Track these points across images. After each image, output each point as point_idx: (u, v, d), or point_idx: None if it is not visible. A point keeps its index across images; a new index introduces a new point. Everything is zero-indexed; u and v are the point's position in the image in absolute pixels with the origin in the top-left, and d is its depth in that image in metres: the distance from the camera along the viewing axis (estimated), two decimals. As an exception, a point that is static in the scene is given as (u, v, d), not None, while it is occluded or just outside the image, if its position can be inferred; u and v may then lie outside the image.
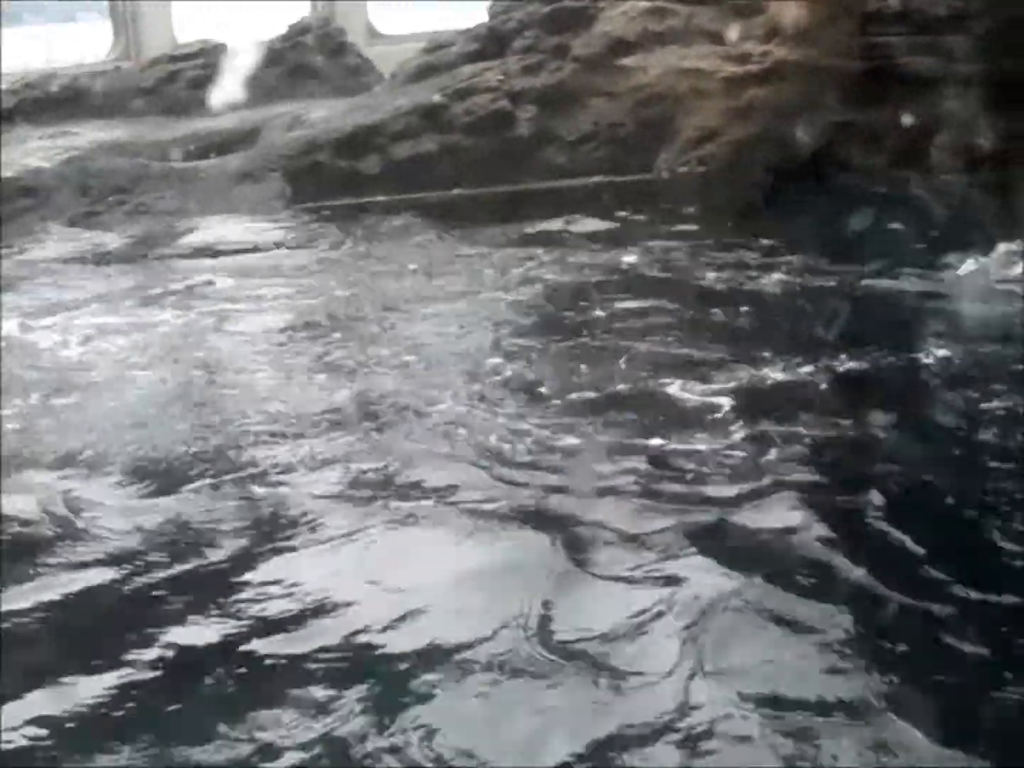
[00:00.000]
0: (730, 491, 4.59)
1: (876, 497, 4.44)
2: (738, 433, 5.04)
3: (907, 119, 9.20)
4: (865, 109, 9.39)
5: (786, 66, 9.76)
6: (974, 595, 3.80)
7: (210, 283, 8.17)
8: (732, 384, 5.62)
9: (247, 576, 4.18)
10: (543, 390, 5.74)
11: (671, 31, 10.42)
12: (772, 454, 4.85)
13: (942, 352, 5.82)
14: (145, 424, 5.57)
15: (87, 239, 9.57)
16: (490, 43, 11.25)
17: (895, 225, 8.00)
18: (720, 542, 4.22)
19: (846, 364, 5.75)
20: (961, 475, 4.71)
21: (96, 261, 8.93)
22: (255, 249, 9.11)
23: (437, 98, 10.75)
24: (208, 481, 4.91)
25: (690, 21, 10.41)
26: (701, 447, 4.97)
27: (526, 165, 10.49)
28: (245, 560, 4.28)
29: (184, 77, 12.77)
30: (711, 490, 4.61)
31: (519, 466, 4.93)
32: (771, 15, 10.05)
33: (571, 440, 5.12)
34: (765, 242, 8.08)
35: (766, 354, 5.95)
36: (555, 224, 9.15)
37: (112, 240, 9.52)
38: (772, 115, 9.66)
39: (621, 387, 5.71)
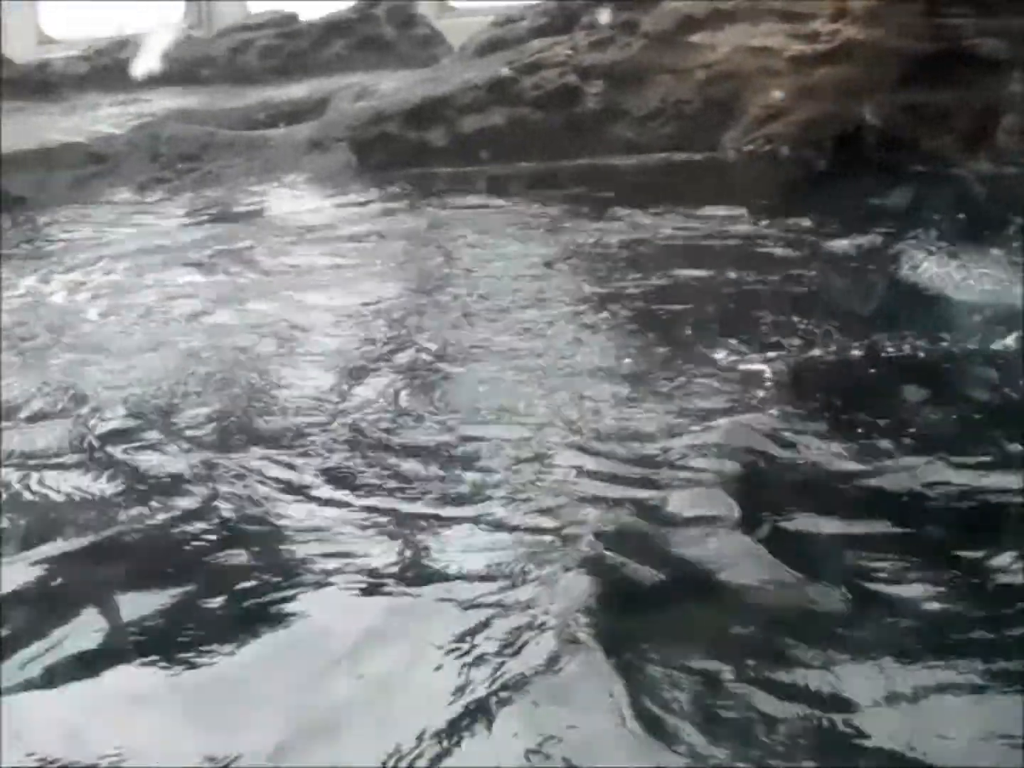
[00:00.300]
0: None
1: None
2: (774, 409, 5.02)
3: (974, 101, 9.14)
4: (932, 90, 9.32)
5: (854, 46, 9.69)
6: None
7: (268, 249, 8.29)
8: (777, 355, 5.62)
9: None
10: (596, 359, 5.75)
11: (740, 9, 10.37)
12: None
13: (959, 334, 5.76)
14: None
15: (152, 205, 9.73)
16: (559, 18, 11.30)
17: (949, 205, 7.92)
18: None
19: (883, 344, 5.70)
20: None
21: (158, 226, 9.08)
22: (319, 218, 9.22)
23: (505, 71, 10.81)
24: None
25: (759, -1, 10.36)
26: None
27: (593, 140, 10.51)
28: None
29: (255, 46, 12.95)
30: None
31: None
32: (840, -6, 9.98)
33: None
34: (820, 219, 8.03)
35: (812, 328, 5.94)
36: (620, 197, 9.15)
37: (178, 206, 9.68)
38: (839, 94, 9.59)
39: (669, 355, 5.72)
